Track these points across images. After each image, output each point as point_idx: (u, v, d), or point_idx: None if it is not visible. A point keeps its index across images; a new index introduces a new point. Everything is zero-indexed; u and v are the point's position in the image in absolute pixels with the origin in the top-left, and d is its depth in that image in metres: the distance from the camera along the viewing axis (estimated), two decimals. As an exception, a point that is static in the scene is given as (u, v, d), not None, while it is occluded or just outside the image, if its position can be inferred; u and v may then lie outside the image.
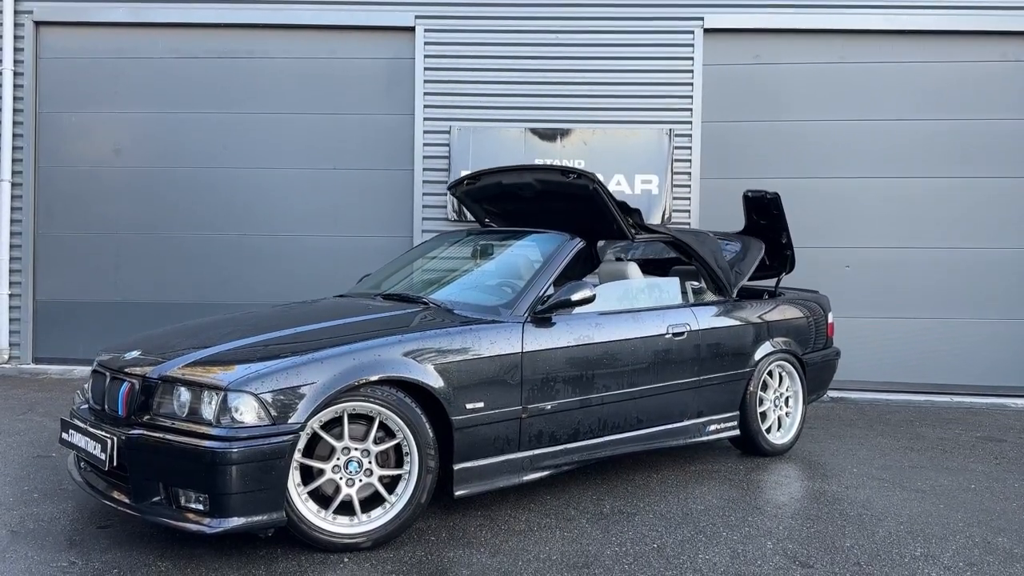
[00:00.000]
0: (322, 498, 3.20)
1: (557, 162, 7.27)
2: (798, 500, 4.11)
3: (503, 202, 5.16)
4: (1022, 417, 6.50)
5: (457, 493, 3.50)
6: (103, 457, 3.16)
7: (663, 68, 7.43)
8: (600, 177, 7.07)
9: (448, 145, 7.43)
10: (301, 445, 3.12)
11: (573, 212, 4.70)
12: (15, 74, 7.67)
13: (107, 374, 3.42)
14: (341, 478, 3.21)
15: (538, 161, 7.28)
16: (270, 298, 6.92)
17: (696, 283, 4.97)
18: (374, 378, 3.22)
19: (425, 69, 7.49)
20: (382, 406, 3.24)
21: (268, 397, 3.02)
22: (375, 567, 3.08)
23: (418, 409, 3.33)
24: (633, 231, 4.63)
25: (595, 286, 4.07)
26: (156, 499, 3.06)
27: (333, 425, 3.22)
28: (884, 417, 6.31)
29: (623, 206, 4.56)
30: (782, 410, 5.05)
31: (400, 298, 4.27)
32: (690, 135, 7.40)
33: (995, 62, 7.34)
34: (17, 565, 3.02)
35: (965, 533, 3.64)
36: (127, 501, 3.12)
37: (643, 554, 3.28)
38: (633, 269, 4.77)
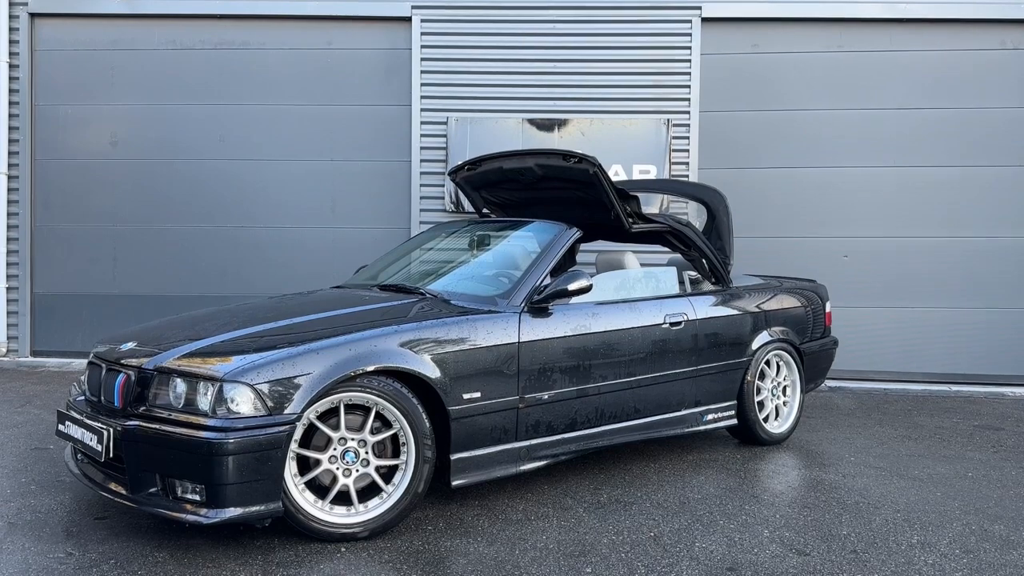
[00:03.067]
0: (319, 488, 3.20)
1: (555, 152, 7.26)
2: (795, 489, 4.12)
3: (502, 189, 5.14)
4: (1019, 406, 6.50)
5: (454, 483, 3.50)
6: (99, 448, 3.16)
7: (661, 58, 7.41)
8: (600, 162, 7.16)
9: (445, 136, 7.42)
10: (297, 435, 3.12)
11: (572, 200, 4.69)
12: (10, 66, 7.64)
13: (103, 366, 3.42)
14: (338, 468, 3.21)
15: (536, 152, 7.27)
16: (267, 290, 6.92)
17: (693, 273, 4.97)
18: (370, 368, 3.22)
19: (422, 60, 7.47)
20: (379, 396, 3.24)
21: (264, 388, 3.02)
22: (372, 557, 3.09)
23: (415, 399, 3.33)
24: (630, 220, 4.62)
25: (592, 275, 4.07)
26: (153, 490, 3.07)
27: (330, 415, 3.22)
28: (882, 406, 6.31)
29: (622, 193, 4.55)
30: (780, 399, 5.05)
31: (397, 289, 4.27)
32: (688, 125, 7.38)
33: (993, 50, 7.32)
34: (15, 556, 3.03)
35: (962, 521, 3.65)
36: (124, 492, 3.13)
37: (640, 543, 3.29)
38: (630, 259, 4.76)
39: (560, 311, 3.93)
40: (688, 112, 7.38)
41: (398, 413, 3.28)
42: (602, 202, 4.50)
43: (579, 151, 4.50)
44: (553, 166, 4.60)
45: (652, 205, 7.20)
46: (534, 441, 3.78)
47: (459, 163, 5.30)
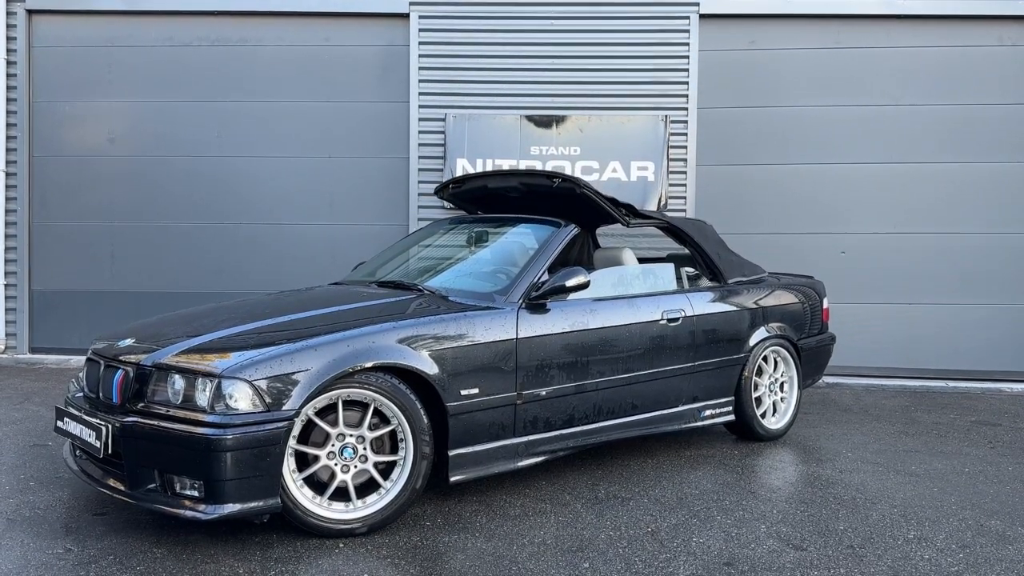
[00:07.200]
0: (317, 484, 3.21)
1: (553, 149, 7.26)
2: (792, 484, 4.13)
3: (493, 202, 5.19)
4: (1017, 401, 6.52)
5: (452, 479, 3.51)
6: (98, 445, 3.17)
7: (659, 54, 7.40)
8: (594, 170, 7.19)
9: (444, 133, 7.41)
10: (296, 432, 3.13)
11: (566, 208, 4.72)
12: (8, 63, 7.63)
13: (102, 362, 3.42)
14: (336, 464, 3.22)
15: (533, 148, 7.28)
16: (265, 286, 6.90)
17: (691, 269, 4.98)
18: (368, 365, 3.22)
19: (420, 56, 7.46)
20: (377, 392, 3.25)
21: (262, 384, 3.03)
22: (370, 552, 3.10)
23: (412, 395, 3.33)
24: (628, 218, 4.66)
25: (590, 272, 4.07)
26: (151, 486, 3.07)
27: (328, 412, 3.22)
28: (879, 402, 6.32)
29: (613, 201, 4.58)
30: (777, 395, 5.06)
31: (395, 285, 4.27)
32: (686, 121, 7.37)
33: (991, 46, 7.31)
34: (13, 552, 3.03)
35: (958, 516, 3.66)
36: (122, 488, 3.13)
37: (637, 538, 3.30)
38: (628, 255, 4.77)
39: (558, 307, 3.93)
40: (686, 108, 7.38)
41: (396, 409, 3.29)
42: (595, 209, 4.56)
43: (564, 169, 4.52)
44: (537, 184, 4.64)
45: (650, 203, 7.21)
46: (532, 437, 3.79)
47: (443, 181, 5.34)
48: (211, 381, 3.01)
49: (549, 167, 7.23)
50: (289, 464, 3.12)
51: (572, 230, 4.29)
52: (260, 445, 2.97)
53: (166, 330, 3.59)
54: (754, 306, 4.92)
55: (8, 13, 7.62)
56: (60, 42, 7.71)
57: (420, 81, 7.46)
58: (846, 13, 7.34)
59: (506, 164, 7.27)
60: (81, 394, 3.55)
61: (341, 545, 3.16)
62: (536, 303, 3.86)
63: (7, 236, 7.68)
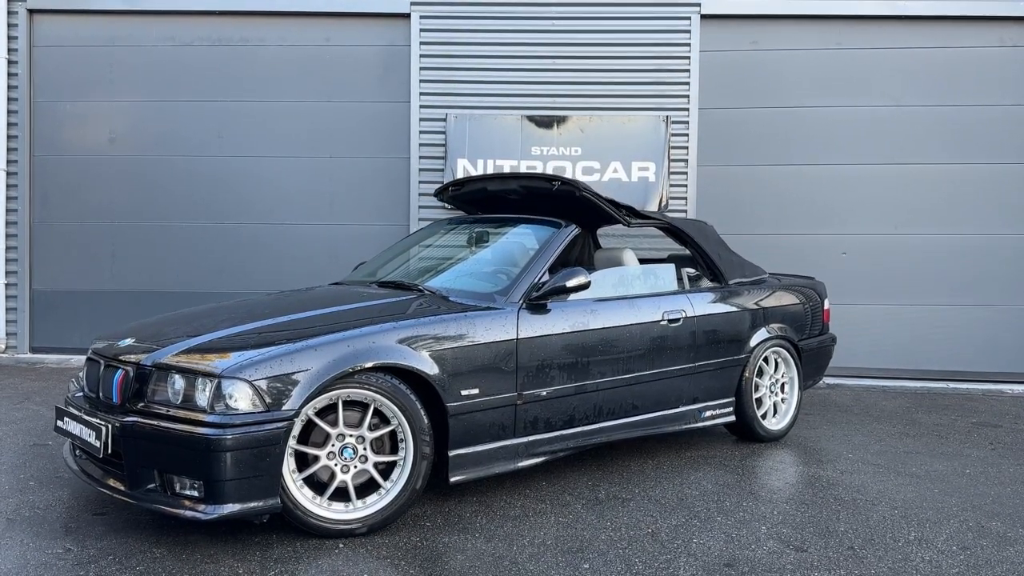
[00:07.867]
0: (317, 484, 3.21)
1: (554, 149, 7.26)
2: (793, 485, 4.12)
3: (493, 203, 5.20)
4: (1018, 403, 6.51)
5: (452, 479, 3.51)
6: (98, 444, 3.16)
7: (660, 55, 7.40)
8: (595, 170, 7.19)
9: (444, 133, 7.41)
10: (296, 432, 3.12)
11: (566, 209, 4.73)
12: (9, 63, 7.63)
13: (102, 362, 3.42)
14: (336, 464, 3.22)
15: (534, 149, 7.28)
16: (266, 286, 6.91)
17: (692, 270, 4.97)
18: (368, 365, 3.22)
19: (421, 56, 7.46)
20: (377, 393, 3.24)
21: (262, 384, 3.02)
22: (370, 553, 3.09)
23: (413, 396, 3.33)
24: (628, 219, 4.67)
25: (590, 273, 4.07)
26: (151, 486, 3.07)
27: (328, 412, 3.22)
28: (880, 403, 6.32)
29: (614, 202, 4.59)
30: (778, 396, 5.06)
31: (395, 285, 4.27)
32: (687, 122, 7.37)
33: (992, 47, 7.31)
34: (13, 552, 3.03)
35: (959, 517, 3.65)
36: (122, 488, 3.13)
37: (637, 539, 3.29)
38: (629, 256, 4.77)
39: (558, 308, 3.93)
40: (687, 109, 7.38)
41: (396, 409, 3.28)
42: (595, 210, 4.56)
43: (563, 173, 4.52)
44: (537, 187, 4.65)
45: (651, 204, 7.21)
46: (532, 437, 3.79)
47: (443, 184, 5.36)
48: (211, 381, 3.01)
49: (550, 167, 7.23)
50: (289, 464, 3.12)
51: (573, 230, 4.29)
52: (260, 445, 2.97)
53: (166, 330, 3.59)
54: (755, 307, 4.92)
55: (9, 12, 7.63)
56: (61, 42, 7.71)
57: (421, 81, 7.46)
58: (848, 14, 7.34)
59: (507, 164, 7.27)
60: (81, 394, 3.55)
61: (341, 545, 3.16)
62: (537, 303, 3.86)
63: (7, 236, 7.68)
